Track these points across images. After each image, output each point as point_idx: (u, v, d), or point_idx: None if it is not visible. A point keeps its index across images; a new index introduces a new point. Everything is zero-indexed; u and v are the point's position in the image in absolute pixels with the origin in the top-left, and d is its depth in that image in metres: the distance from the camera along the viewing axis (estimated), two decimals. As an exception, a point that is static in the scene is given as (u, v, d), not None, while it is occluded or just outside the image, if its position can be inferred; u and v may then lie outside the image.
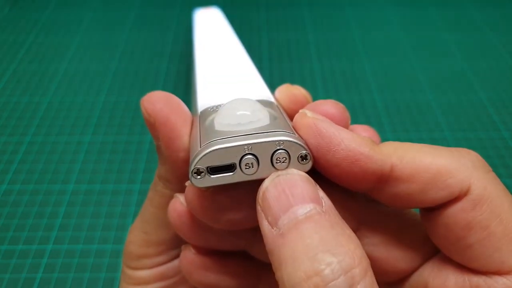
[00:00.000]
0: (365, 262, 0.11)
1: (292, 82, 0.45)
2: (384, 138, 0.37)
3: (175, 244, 0.18)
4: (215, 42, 0.26)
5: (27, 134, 0.37)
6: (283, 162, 0.13)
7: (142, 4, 0.53)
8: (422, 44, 0.47)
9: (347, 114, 0.15)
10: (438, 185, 0.13)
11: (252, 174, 0.13)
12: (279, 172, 0.13)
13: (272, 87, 0.19)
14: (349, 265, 0.11)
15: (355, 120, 0.16)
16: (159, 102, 0.15)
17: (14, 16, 0.51)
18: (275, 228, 0.12)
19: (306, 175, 0.13)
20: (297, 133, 0.14)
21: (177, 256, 0.18)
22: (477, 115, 0.39)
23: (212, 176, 0.13)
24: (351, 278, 0.10)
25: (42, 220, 0.30)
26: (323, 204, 0.12)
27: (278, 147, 0.13)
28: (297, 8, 0.53)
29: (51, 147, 0.36)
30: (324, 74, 0.43)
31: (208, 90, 0.18)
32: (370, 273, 0.11)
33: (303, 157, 0.13)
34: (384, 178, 0.13)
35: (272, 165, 0.13)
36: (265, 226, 0.12)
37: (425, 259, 0.15)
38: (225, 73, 0.20)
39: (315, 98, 0.17)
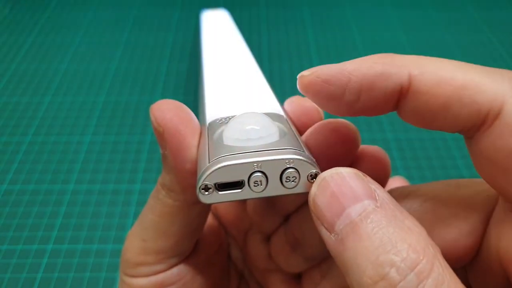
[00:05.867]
0: (430, 252, 0.10)
1: (292, 82, 0.45)
2: (384, 138, 0.37)
3: (174, 252, 0.17)
4: (224, 48, 0.26)
5: (27, 134, 0.37)
6: (292, 181, 0.13)
7: (142, 4, 0.53)
8: (422, 44, 0.47)
9: (358, 138, 0.15)
10: (463, 100, 0.11)
11: (260, 192, 0.13)
12: (324, 174, 0.12)
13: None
14: (413, 260, 0.10)
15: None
16: (169, 112, 0.15)
17: (14, 17, 0.51)
18: (333, 234, 0.11)
19: (353, 169, 0.12)
20: (306, 150, 0.13)
21: (176, 264, 0.18)
22: (477, 115, 0.39)
23: (220, 192, 0.13)
24: (419, 273, 0.10)
25: (42, 220, 0.30)
26: (377, 198, 0.11)
27: (288, 166, 0.13)
28: (297, 8, 0.53)
29: (51, 147, 0.36)
30: (324, 74, 0.43)
31: (217, 100, 0.17)
32: (438, 262, 0.10)
33: (313, 176, 0.13)
34: (404, 93, 0.12)
35: (281, 183, 0.13)
36: (323, 232, 0.12)
37: (484, 223, 0.14)
38: (234, 83, 0.20)
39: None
